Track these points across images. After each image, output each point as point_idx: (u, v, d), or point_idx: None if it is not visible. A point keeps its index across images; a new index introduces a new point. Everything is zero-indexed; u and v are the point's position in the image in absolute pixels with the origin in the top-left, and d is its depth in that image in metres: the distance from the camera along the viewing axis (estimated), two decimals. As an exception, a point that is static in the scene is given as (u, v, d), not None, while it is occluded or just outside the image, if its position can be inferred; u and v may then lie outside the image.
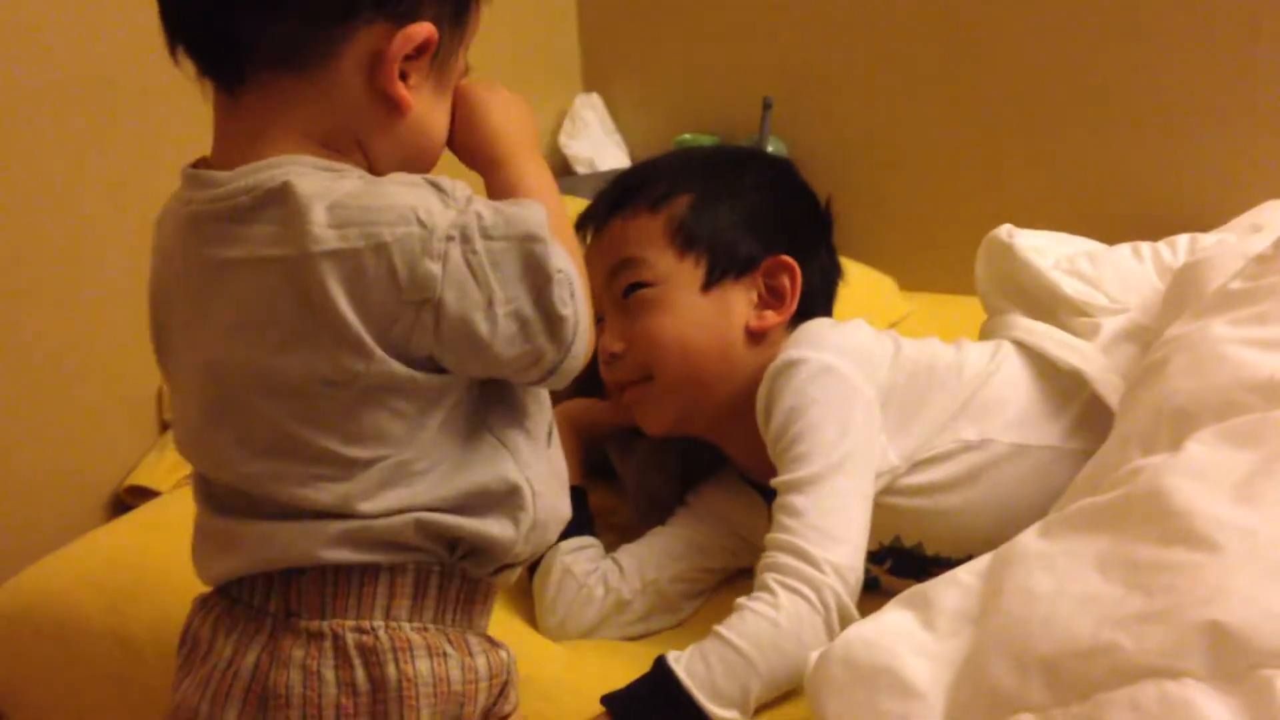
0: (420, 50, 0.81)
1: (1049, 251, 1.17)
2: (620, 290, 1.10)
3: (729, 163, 1.21)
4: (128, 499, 1.38)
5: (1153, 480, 0.73)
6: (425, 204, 0.77)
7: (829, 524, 0.94)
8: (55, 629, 1.12)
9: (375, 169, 0.84)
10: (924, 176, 1.99)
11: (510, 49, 2.06)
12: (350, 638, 0.80)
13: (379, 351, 0.77)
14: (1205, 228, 1.64)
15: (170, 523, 1.24)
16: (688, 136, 2.11)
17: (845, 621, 0.89)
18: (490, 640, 0.87)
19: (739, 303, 1.11)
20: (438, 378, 0.80)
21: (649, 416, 1.11)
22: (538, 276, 0.79)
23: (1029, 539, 0.77)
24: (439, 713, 0.81)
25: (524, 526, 0.85)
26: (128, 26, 1.30)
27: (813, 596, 0.90)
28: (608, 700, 0.91)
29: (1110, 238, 1.75)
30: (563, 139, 2.16)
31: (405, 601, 0.82)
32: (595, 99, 2.21)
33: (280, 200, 0.77)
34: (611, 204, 1.14)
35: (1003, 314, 1.17)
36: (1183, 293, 0.96)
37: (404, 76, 0.82)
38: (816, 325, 1.09)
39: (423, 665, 0.81)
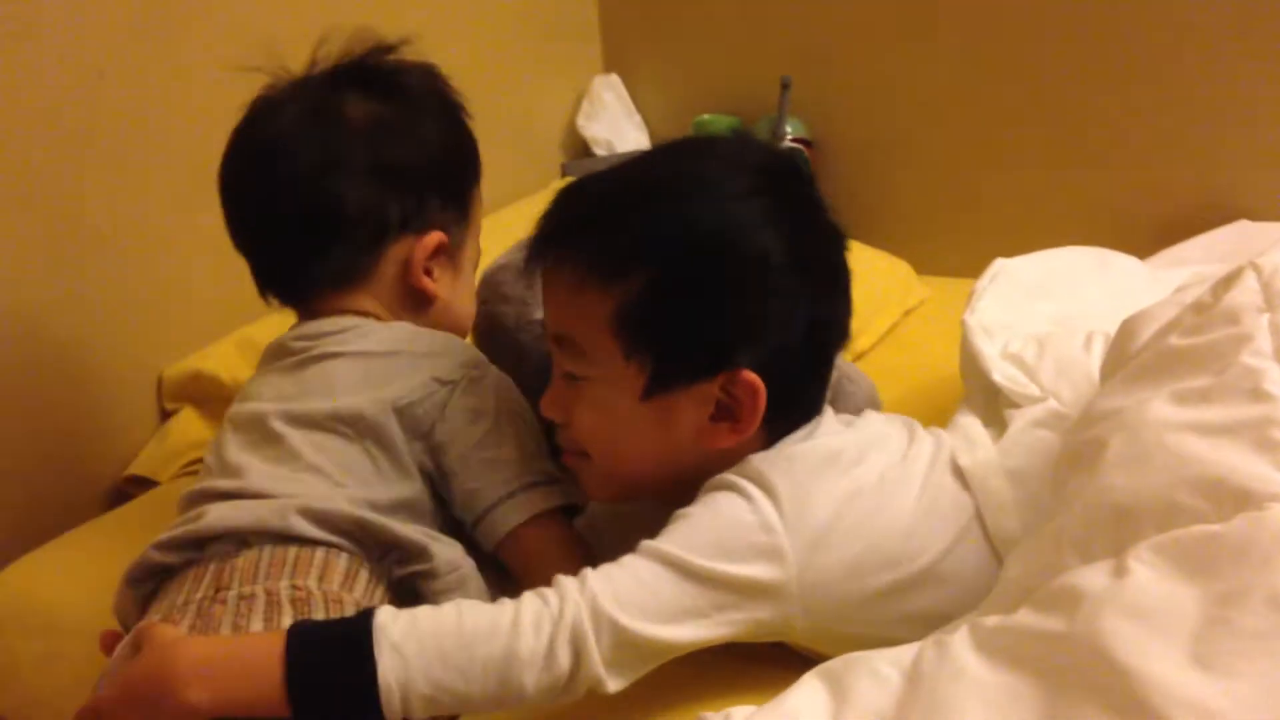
0: (437, 252, 1.05)
1: (1003, 331, 1.10)
2: (563, 366, 0.94)
3: (710, 233, 0.89)
4: (127, 488, 1.38)
5: (1093, 620, 0.63)
6: None
7: (627, 592, 0.81)
8: (42, 625, 1.12)
9: None
10: (943, 159, 1.95)
11: (530, 29, 2.04)
12: (284, 591, 0.85)
13: None
14: (1230, 218, 1.60)
15: (161, 520, 1.25)
16: (707, 117, 2.09)
17: (576, 644, 0.78)
18: None
19: (686, 412, 0.90)
20: None
21: (588, 487, 0.97)
22: None
23: (963, 651, 0.68)
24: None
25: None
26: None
27: (554, 602, 0.80)
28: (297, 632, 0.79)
29: (1132, 227, 1.72)
30: (581, 120, 2.14)
31: (337, 576, 0.88)
32: (614, 79, 2.18)
33: None
34: (563, 243, 0.92)
35: (964, 402, 1.07)
36: (1121, 348, 0.87)
37: (428, 273, 1.05)
38: (802, 460, 0.89)
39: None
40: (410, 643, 0.77)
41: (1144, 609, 0.62)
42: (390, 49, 1.08)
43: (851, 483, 0.88)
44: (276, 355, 1.04)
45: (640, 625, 0.80)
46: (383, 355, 0.99)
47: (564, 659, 0.78)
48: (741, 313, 0.88)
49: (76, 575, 1.16)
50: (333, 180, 1.01)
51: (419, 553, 0.91)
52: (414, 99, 1.07)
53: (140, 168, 1.35)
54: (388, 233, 1.03)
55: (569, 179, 2.05)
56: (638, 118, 2.19)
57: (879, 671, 0.71)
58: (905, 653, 0.72)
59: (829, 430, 0.93)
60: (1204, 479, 0.67)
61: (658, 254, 0.88)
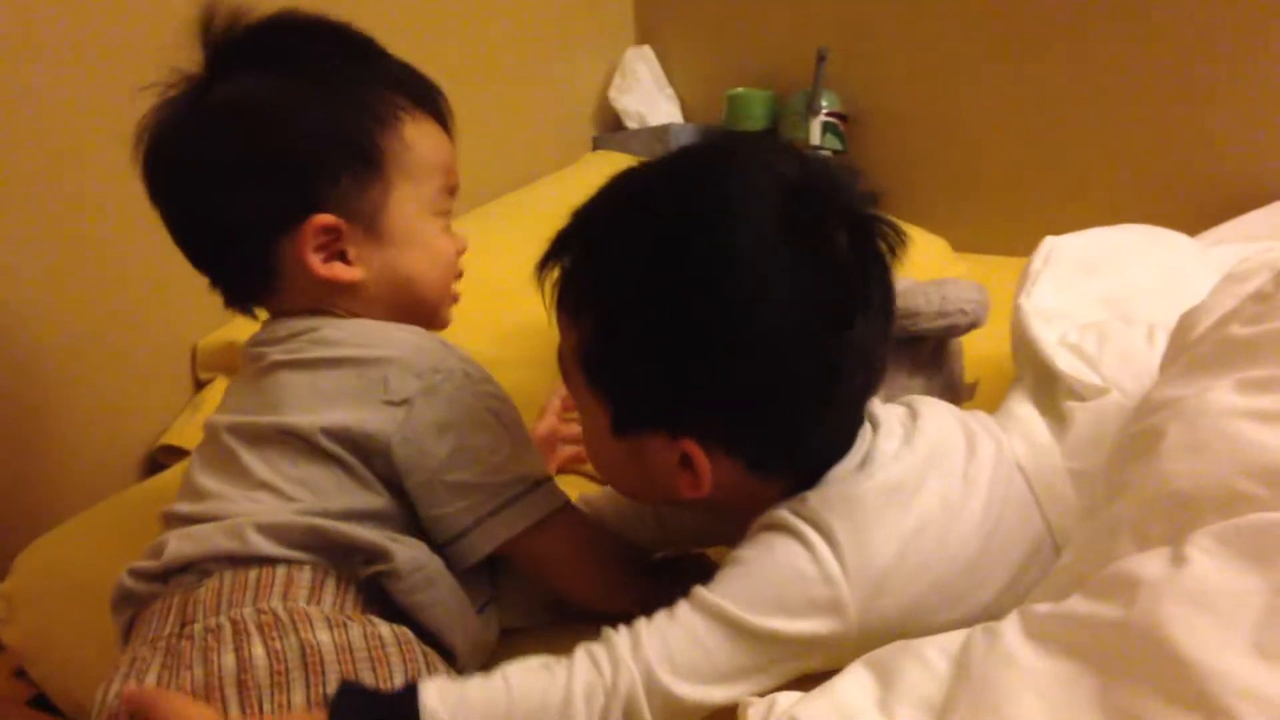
0: (333, 232, 0.93)
1: (1059, 319, 1.06)
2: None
3: (649, 274, 0.80)
4: (162, 458, 1.38)
5: (1151, 608, 0.62)
6: None
7: (682, 653, 0.78)
8: (79, 591, 1.12)
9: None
10: (982, 134, 1.92)
11: (562, 1, 2.02)
12: (250, 618, 0.81)
13: None
14: (1273, 199, 1.57)
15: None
16: (740, 90, 2.07)
17: (630, 716, 0.76)
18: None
19: (657, 453, 0.84)
20: None
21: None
22: None
23: (1014, 638, 0.67)
24: (348, 676, 0.80)
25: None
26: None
27: (607, 671, 0.77)
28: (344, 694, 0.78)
29: (1172, 206, 1.69)
30: (613, 93, 2.13)
31: (302, 592, 0.84)
32: (647, 51, 2.17)
33: None
34: (552, 257, 0.86)
35: (1016, 382, 1.05)
36: (1180, 341, 0.85)
37: (343, 255, 0.94)
38: (862, 501, 0.83)
39: (323, 635, 0.81)
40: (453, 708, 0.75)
41: (1204, 597, 0.61)
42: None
43: (914, 518, 0.83)
44: (244, 360, 0.99)
45: (693, 691, 0.78)
46: (331, 365, 0.91)
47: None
48: (699, 372, 0.80)
49: (111, 545, 1.16)
50: (198, 188, 0.93)
51: (379, 554, 0.86)
52: (291, 60, 0.94)
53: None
54: (265, 233, 0.93)
55: (600, 152, 2.07)
56: (670, 90, 2.17)
57: (927, 659, 0.70)
58: (953, 639, 0.70)
59: (885, 455, 0.86)
60: (1265, 466, 0.66)
61: (611, 290, 0.82)
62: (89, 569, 1.14)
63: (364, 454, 0.88)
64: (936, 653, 0.70)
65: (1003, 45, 1.86)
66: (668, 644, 0.78)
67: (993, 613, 0.78)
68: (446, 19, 1.74)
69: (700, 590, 0.81)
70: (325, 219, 0.92)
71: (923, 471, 0.86)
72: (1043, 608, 0.68)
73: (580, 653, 0.78)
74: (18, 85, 1.19)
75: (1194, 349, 0.79)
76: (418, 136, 0.97)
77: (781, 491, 0.85)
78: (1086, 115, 1.82)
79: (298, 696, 0.78)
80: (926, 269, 1.64)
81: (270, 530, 0.85)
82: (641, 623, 0.80)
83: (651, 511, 1.03)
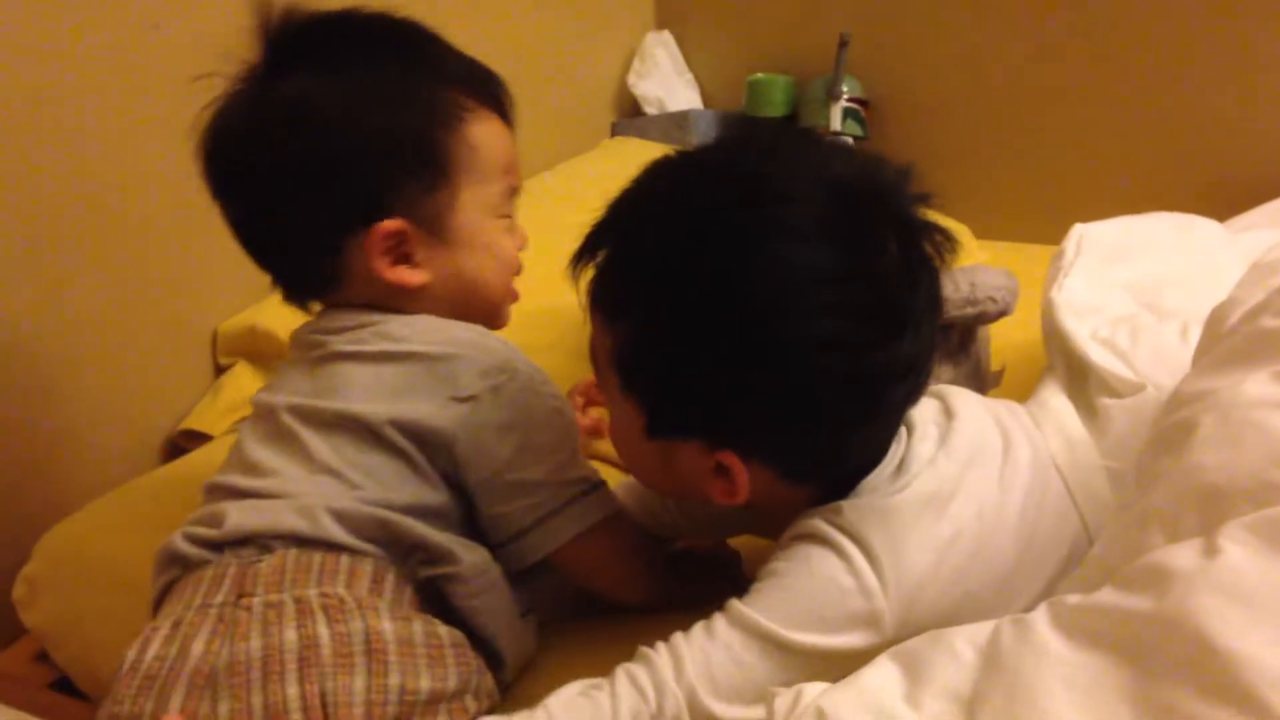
0: (398, 236, 0.92)
1: (1091, 313, 1.05)
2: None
3: (693, 282, 0.77)
4: (182, 443, 1.39)
5: (1184, 600, 0.60)
6: None
7: (723, 673, 0.78)
8: (101, 574, 1.13)
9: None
10: (1004, 120, 1.91)
11: (581, -15, 2.02)
12: (314, 599, 0.81)
13: None
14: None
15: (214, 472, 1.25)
16: (761, 76, 2.06)
17: None
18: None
19: (689, 459, 0.83)
20: None
21: None
22: None
23: (1044, 630, 0.66)
24: (407, 670, 0.80)
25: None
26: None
27: (652, 698, 0.77)
28: None
29: (1199, 193, 1.68)
30: (632, 78, 2.12)
31: (364, 583, 0.84)
32: (667, 36, 2.16)
33: None
34: (588, 252, 0.84)
35: (1049, 371, 1.03)
36: (1211, 335, 0.83)
37: (406, 259, 0.94)
38: (898, 512, 0.82)
39: (387, 625, 0.81)
40: None
41: (1238, 588, 0.60)
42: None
43: (949, 527, 0.82)
44: (298, 347, 0.99)
45: (734, 712, 0.78)
46: (397, 359, 0.91)
47: None
48: (738, 384, 0.78)
49: (133, 528, 1.16)
50: (263, 192, 0.93)
51: (445, 555, 0.87)
52: (354, 62, 0.93)
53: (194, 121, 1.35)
54: (331, 238, 0.92)
55: (619, 138, 2.06)
56: (689, 76, 2.16)
57: (955, 650, 0.69)
58: (981, 631, 0.70)
59: (920, 461, 0.85)
60: None
61: (644, 299, 0.80)
62: (111, 553, 1.14)
63: (429, 448, 0.88)
64: (964, 644, 0.69)
65: (1025, 30, 1.84)
66: (710, 666, 0.78)
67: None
68: (465, 4, 1.74)
69: (737, 605, 0.80)
70: (392, 225, 0.92)
71: (958, 478, 0.84)
72: (1073, 599, 0.67)
73: (622, 677, 0.78)
74: (38, 71, 1.19)
75: (1225, 342, 0.78)
76: (482, 136, 0.96)
77: (813, 496, 0.85)
78: (1110, 100, 1.81)
79: (359, 682, 0.78)
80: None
81: (343, 516, 0.85)
82: (681, 641, 0.79)
83: (674, 501, 1.03)
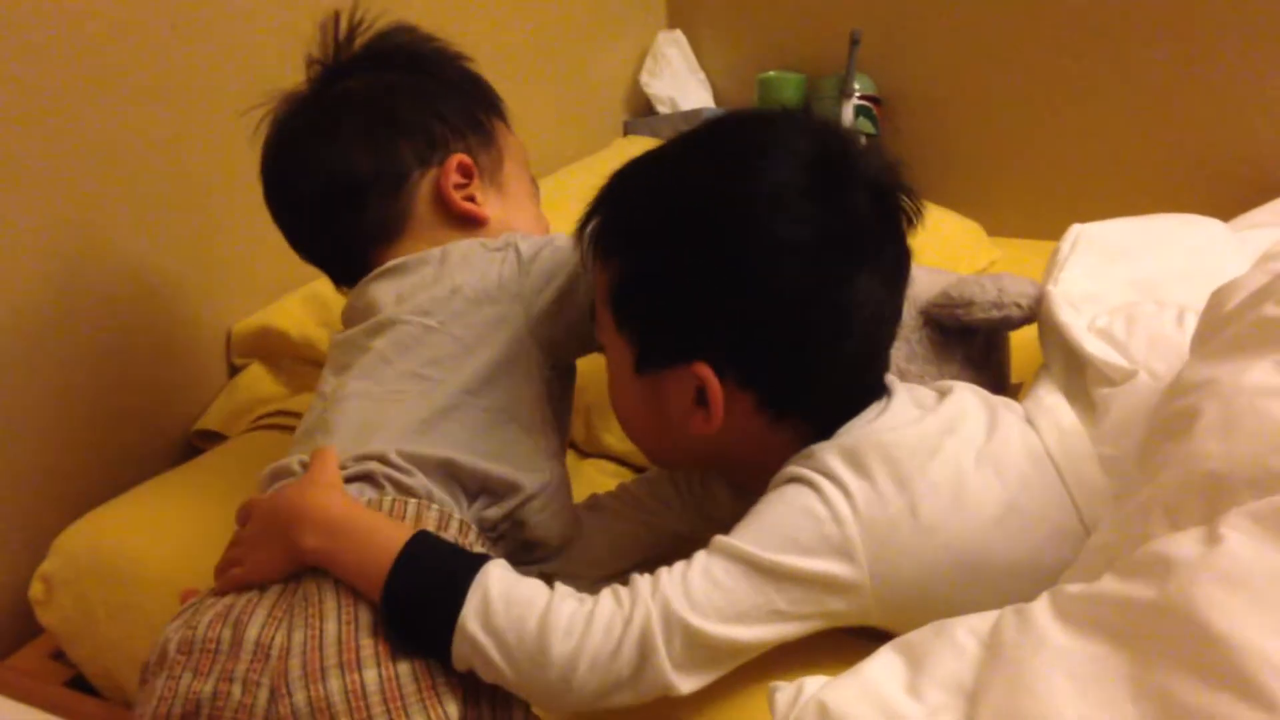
0: (467, 173, 1.06)
1: (1088, 304, 1.05)
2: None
3: (695, 223, 0.86)
4: (197, 443, 1.39)
5: (1185, 588, 0.60)
6: None
7: (701, 591, 0.81)
8: (115, 574, 1.13)
9: None
10: (1016, 117, 1.90)
11: (593, -16, 2.02)
12: None
13: None
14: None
15: (229, 473, 1.26)
16: (772, 74, 2.06)
17: (643, 647, 0.79)
18: None
19: (673, 393, 0.89)
20: None
21: None
22: None
23: (1045, 619, 0.66)
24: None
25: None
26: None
27: (625, 604, 0.81)
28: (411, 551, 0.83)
29: (1207, 190, 1.67)
30: (644, 77, 2.12)
31: (429, 527, 0.88)
32: (678, 35, 2.16)
33: None
34: (587, 218, 0.93)
35: (1043, 370, 1.04)
36: (1211, 319, 0.83)
37: (469, 198, 1.06)
38: (870, 450, 0.86)
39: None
40: (498, 616, 0.79)
41: (1240, 576, 0.60)
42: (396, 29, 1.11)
43: (926, 479, 0.85)
44: (351, 316, 1.05)
45: (715, 626, 0.80)
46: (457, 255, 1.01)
47: (626, 662, 0.79)
48: (714, 301, 0.85)
49: (148, 528, 1.17)
50: (334, 153, 1.05)
51: (510, 487, 0.93)
52: (404, 59, 1.10)
53: (207, 122, 1.36)
54: (406, 176, 1.05)
55: (631, 137, 2.06)
56: (702, 75, 2.16)
57: (956, 640, 0.69)
58: (983, 621, 0.70)
59: (900, 417, 0.89)
60: None
61: (629, 239, 0.90)
62: (126, 553, 1.15)
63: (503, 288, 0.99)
64: (966, 634, 0.69)
65: (1036, 28, 1.84)
66: (687, 583, 0.81)
67: (1013, 575, 0.82)
68: (478, 4, 1.74)
69: (718, 536, 0.84)
70: (465, 158, 1.06)
71: (939, 437, 0.88)
72: (1074, 588, 0.67)
73: (606, 591, 0.82)
74: (57, 71, 1.20)
75: (1227, 328, 0.78)
76: (508, 127, 1.13)
77: (792, 444, 0.89)
78: (1122, 97, 1.80)
79: None
80: (960, 253, 1.63)
81: (411, 458, 0.91)
82: (663, 570, 0.83)
83: (684, 490, 1.05)
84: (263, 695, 0.80)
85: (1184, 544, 0.64)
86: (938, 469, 0.86)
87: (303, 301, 1.43)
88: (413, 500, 0.89)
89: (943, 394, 0.94)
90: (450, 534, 0.88)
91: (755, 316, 0.85)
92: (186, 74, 1.33)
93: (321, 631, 0.81)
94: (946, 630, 0.71)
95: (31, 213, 1.20)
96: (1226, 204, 1.50)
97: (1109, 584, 0.66)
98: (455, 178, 1.05)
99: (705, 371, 0.86)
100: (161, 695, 0.83)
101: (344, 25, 1.10)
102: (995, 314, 1.06)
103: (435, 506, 0.89)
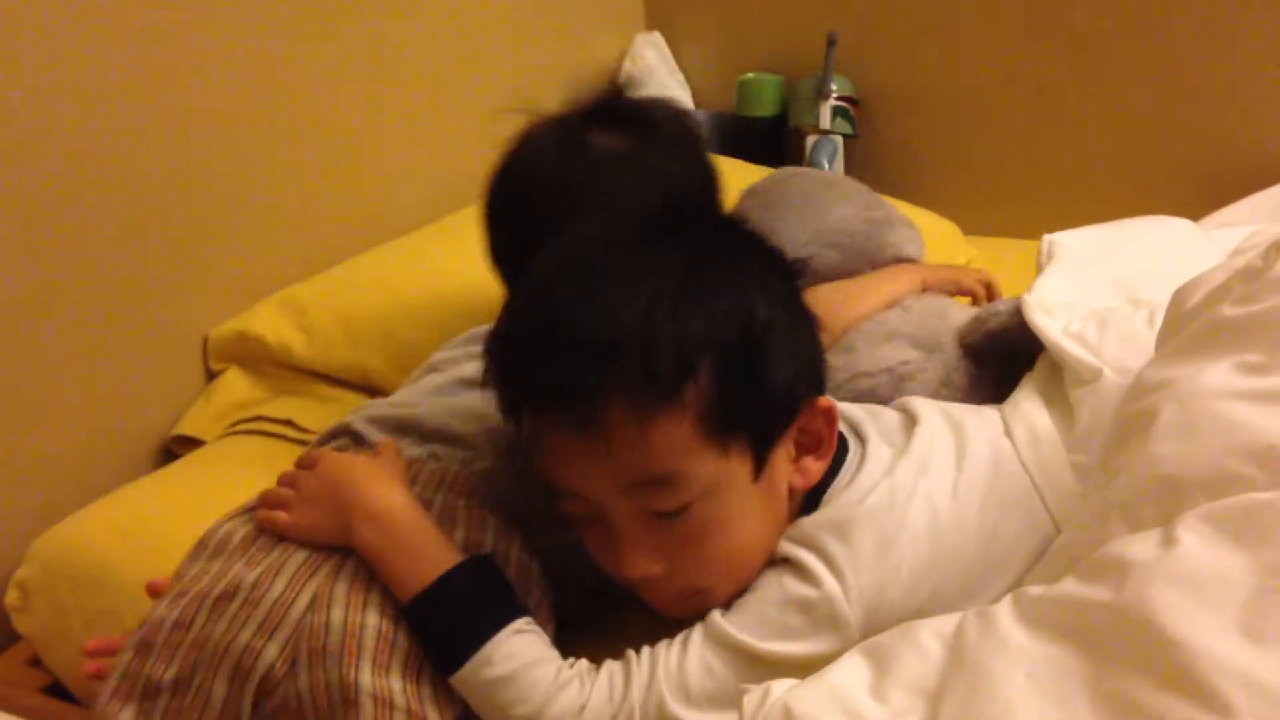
0: None
1: (1063, 310, 1.06)
2: (653, 509, 0.84)
3: (721, 273, 0.84)
4: (175, 448, 1.39)
5: (1141, 590, 0.61)
6: None
7: (699, 684, 0.82)
8: (91, 580, 1.13)
9: None
10: (991, 118, 1.91)
11: (572, -15, 2.02)
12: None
13: None
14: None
15: (207, 478, 1.26)
16: (751, 75, 2.06)
17: None
18: None
19: (781, 465, 0.88)
20: None
21: (694, 614, 0.89)
22: None
23: (1007, 621, 0.67)
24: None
25: None
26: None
27: (618, 694, 0.83)
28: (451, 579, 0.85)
29: (1181, 188, 1.68)
30: (623, 79, 2.12)
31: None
32: (657, 37, 2.16)
33: None
34: (588, 387, 0.80)
35: (1027, 376, 1.05)
36: (1173, 318, 0.85)
37: None
38: (852, 518, 0.86)
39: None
40: (494, 688, 0.83)
41: (1193, 579, 0.61)
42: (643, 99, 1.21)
43: (907, 533, 0.85)
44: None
45: (704, 716, 0.82)
46: None
47: None
48: (791, 332, 0.86)
49: (124, 532, 1.17)
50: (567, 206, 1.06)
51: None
52: (654, 132, 1.13)
53: (189, 129, 1.36)
54: None
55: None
56: (680, 76, 2.16)
57: (921, 643, 0.70)
58: (947, 623, 0.71)
59: (875, 471, 0.90)
60: (1256, 446, 0.65)
61: (703, 328, 0.81)
62: (103, 558, 1.15)
63: None
64: (930, 637, 0.70)
65: (1012, 30, 1.85)
66: (684, 675, 0.83)
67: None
68: (458, 6, 1.74)
69: (715, 617, 0.85)
70: None
71: (913, 485, 0.88)
72: (1036, 590, 0.68)
73: (603, 676, 0.84)
74: (30, 73, 1.20)
75: (1186, 328, 0.79)
76: None
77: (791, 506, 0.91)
78: (1095, 98, 1.81)
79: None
80: (937, 252, 1.63)
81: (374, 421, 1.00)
82: (661, 651, 0.85)
83: None
84: (304, 598, 0.84)
85: (1140, 546, 0.64)
86: (916, 517, 0.86)
87: (279, 307, 1.43)
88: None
89: (910, 421, 0.95)
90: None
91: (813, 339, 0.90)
92: (162, 76, 1.33)
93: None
94: (912, 633, 0.71)
95: (5, 217, 1.20)
96: (1199, 203, 1.51)
97: (1069, 586, 0.66)
98: None
99: (828, 403, 0.88)
100: (209, 573, 0.89)
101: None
102: (1019, 318, 1.08)
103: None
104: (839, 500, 0.89)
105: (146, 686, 0.85)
